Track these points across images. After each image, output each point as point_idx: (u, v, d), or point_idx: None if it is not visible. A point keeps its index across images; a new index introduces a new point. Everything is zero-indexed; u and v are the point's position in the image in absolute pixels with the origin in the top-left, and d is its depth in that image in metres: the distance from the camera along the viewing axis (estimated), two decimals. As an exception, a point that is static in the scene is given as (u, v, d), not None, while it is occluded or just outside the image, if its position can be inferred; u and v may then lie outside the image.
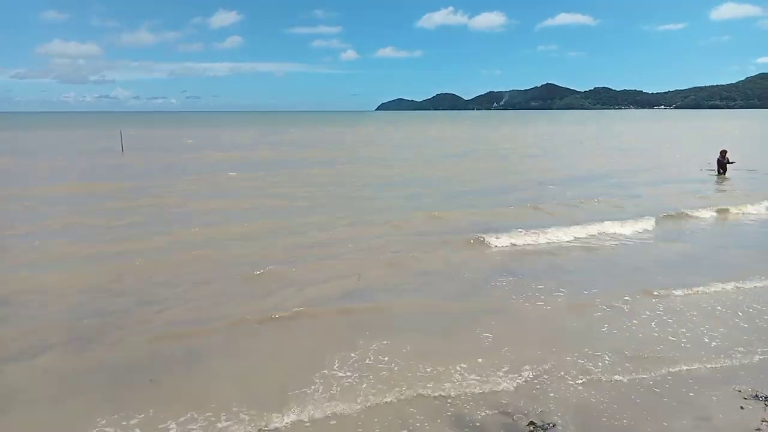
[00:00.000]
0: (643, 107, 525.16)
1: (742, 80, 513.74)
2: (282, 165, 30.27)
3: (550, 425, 5.39)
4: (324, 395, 5.88)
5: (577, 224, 13.94)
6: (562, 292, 9.24)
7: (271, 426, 5.34)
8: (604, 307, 8.57)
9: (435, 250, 11.88)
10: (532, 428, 5.34)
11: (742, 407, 5.75)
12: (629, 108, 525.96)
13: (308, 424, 5.42)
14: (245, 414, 5.51)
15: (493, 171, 28.29)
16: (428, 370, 6.45)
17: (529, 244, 12.43)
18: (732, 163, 25.03)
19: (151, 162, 32.96)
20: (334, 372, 6.38)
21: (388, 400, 5.83)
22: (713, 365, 6.68)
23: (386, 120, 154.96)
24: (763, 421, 5.45)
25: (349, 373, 6.36)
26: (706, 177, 24.53)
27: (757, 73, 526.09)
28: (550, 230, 13.31)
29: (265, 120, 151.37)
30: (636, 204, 17.59)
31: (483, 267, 10.75)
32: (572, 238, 12.94)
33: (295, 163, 31.28)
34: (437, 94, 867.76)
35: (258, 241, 12.75)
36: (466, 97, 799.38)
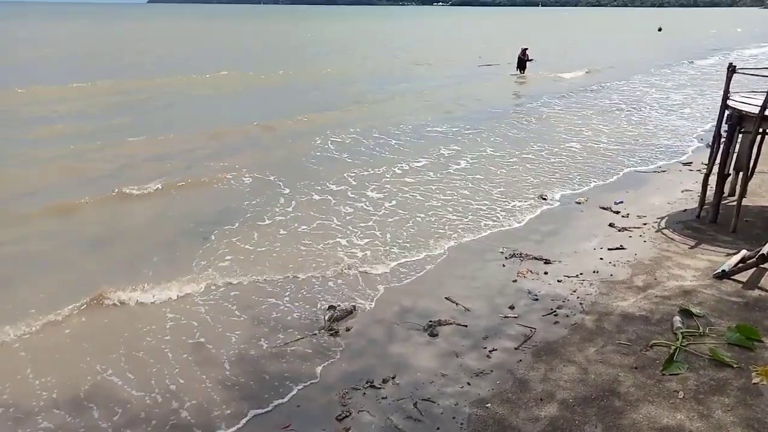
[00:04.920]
0: (425, 4, 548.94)
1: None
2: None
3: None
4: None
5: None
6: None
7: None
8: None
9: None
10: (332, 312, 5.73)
11: (504, 265, 6.87)
12: (411, 4, 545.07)
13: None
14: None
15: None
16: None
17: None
18: (531, 60, 24.49)
19: None
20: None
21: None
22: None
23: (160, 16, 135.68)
24: (518, 274, 6.58)
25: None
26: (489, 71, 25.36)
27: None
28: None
29: None
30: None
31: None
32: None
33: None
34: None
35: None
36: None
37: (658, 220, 8.07)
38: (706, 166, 8.24)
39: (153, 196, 8.93)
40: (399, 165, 10.99)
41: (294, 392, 4.63)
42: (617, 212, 8.53)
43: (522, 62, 24.36)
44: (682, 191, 9.41)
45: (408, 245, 7.43)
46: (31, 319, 5.46)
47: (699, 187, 8.28)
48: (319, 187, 9.55)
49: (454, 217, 8.40)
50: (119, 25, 53.69)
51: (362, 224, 8.06)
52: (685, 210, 8.44)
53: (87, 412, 4.38)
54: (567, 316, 5.60)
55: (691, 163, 11.24)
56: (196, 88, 19.54)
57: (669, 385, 4.38)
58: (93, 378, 4.75)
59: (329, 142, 12.64)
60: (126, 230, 7.85)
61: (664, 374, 4.52)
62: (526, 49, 24.41)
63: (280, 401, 4.53)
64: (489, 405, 4.32)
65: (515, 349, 5.08)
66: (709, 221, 7.81)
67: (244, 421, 4.32)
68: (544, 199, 9.18)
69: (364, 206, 8.78)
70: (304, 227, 7.92)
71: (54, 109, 15.31)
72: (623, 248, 7.15)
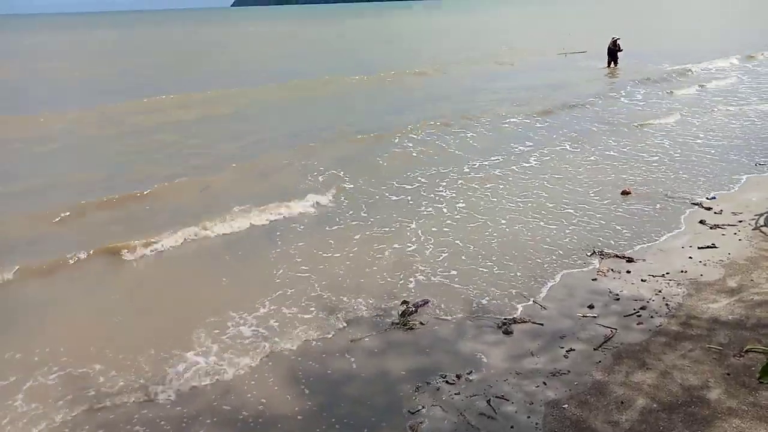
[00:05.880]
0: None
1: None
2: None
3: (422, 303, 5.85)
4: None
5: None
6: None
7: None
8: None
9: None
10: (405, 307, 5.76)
11: (583, 262, 6.63)
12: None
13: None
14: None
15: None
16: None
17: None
18: (621, 51, 22.24)
19: None
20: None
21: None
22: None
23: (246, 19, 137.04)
24: (598, 272, 6.33)
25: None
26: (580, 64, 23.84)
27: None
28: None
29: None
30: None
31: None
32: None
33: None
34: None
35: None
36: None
37: (756, 217, 7.49)
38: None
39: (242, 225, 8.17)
40: (472, 163, 10.83)
41: (369, 383, 4.71)
42: (709, 208, 8.00)
43: (613, 54, 22.30)
44: (785, 186, 8.68)
45: (500, 258, 6.81)
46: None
47: (804, 182, 7.60)
48: (386, 186, 9.59)
49: (551, 228, 7.73)
50: (209, 30, 55.09)
51: (434, 228, 7.75)
52: (788, 207, 7.77)
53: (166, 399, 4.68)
54: (651, 317, 5.33)
55: (796, 155, 10.32)
56: (298, 94, 19.24)
57: (766, 395, 4.07)
58: (180, 362, 5.07)
59: (406, 140, 12.61)
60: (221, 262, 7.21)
61: (761, 382, 4.20)
62: (618, 39, 22.23)
63: (355, 390, 4.63)
64: (566, 406, 4.21)
65: (594, 350, 4.90)
66: (816, 219, 7.17)
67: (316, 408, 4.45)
68: (626, 194, 8.74)
69: (443, 209, 8.48)
70: (381, 231, 7.82)
71: (157, 121, 15.31)
72: (715, 247, 6.70)
